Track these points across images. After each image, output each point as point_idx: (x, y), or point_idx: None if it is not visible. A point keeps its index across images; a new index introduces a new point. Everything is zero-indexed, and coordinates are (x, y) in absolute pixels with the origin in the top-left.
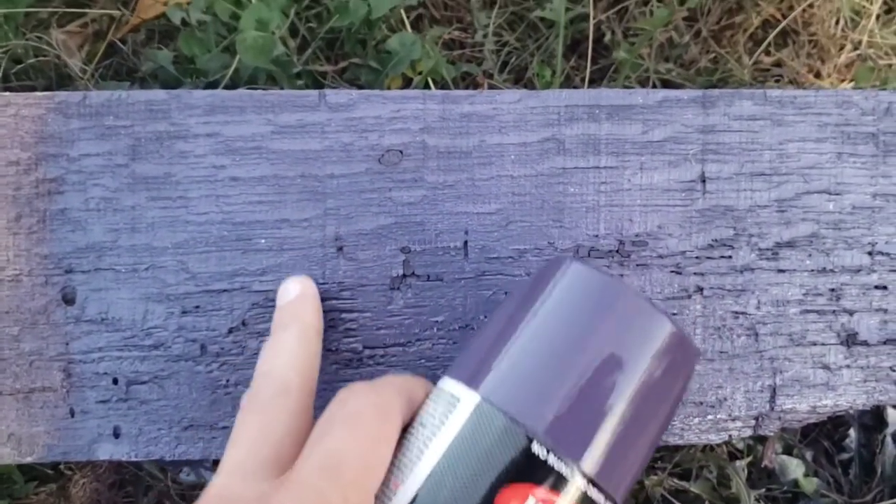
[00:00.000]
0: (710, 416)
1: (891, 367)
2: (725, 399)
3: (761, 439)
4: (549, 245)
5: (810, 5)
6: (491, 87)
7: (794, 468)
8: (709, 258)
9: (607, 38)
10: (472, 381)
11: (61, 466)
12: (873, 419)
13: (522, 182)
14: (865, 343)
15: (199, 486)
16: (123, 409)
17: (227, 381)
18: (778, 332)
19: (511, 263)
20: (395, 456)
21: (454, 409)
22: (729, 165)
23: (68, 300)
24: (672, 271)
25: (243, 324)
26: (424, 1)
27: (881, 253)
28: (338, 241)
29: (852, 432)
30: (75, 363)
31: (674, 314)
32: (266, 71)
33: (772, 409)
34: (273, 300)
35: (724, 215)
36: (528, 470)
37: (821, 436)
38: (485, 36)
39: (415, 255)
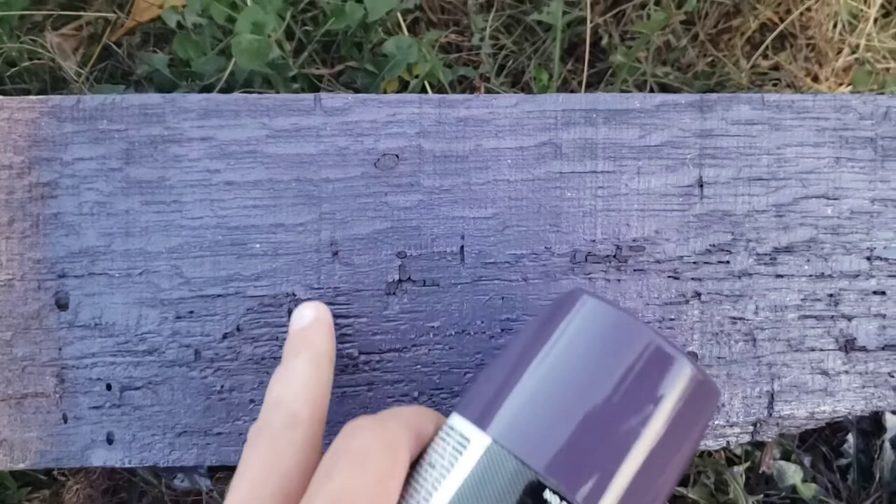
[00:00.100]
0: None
1: (889, 373)
2: (723, 405)
3: (759, 445)
4: (545, 250)
5: (808, 9)
6: (488, 90)
7: (793, 474)
8: (706, 263)
9: (604, 41)
10: (483, 420)
11: (54, 472)
12: (872, 424)
13: (519, 186)
14: (864, 349)
15: (194, 493)
16: (117, 414)
17: (222, 386)
18: (776, 337)
19: (508, 268)
20: (402, 497)
21: (464, 450)
22: (727, 170)
23: (61, 305)
24: (670, 276)
25: (238, 329)
26: (421, 4)
27: (879, 258)
28: (333, 245)
29: (850, 437)
30: (68, 368)
31: (671, 319)
32: (262, 74)
33: (770, 414)
34: (268, 305)
35: (721, 220)
36: None
37: (819, 441)
38: (482, 39)
39: (411, 259)
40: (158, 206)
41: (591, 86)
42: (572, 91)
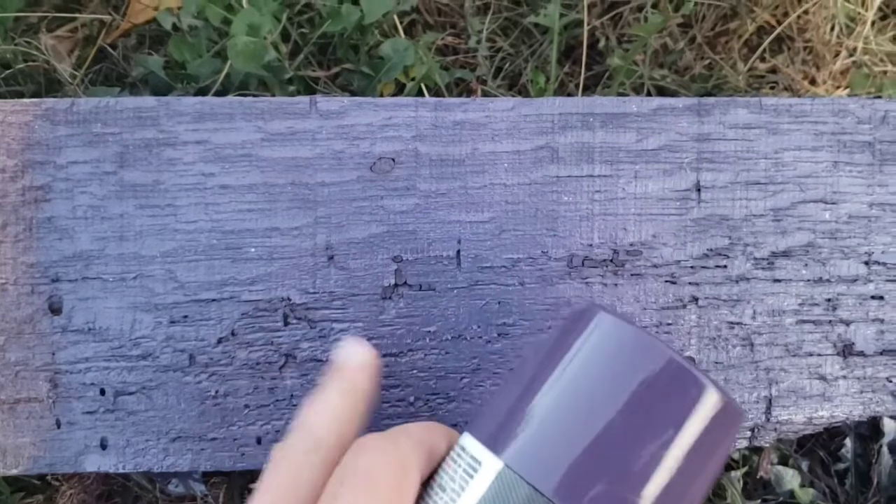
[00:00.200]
0: None
1: (887, 378)
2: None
3: (757, 450)
4: (542, 254)
5: (805, 12)
6: (485, 93)
7: (790, 479)
8: (704, 268)
9: (601, 44)
10: (495, 443)
11: (48, 477)
12: (869, 429)
13: (516, 190)
14: (862, 353)
15: (188, 498)
16: (111, 420)
17: (216, 391)
18: (774, 342)
19: (504, 273)
20: None
21: (475, 473)
22: (724, 174)
23: (55, 309)
24: (667, 281)
25: (232, 334)
26: (417, 6)
27: (878, 262)
28: (329, 249)
29: (848, 442)
30: (62, 373)
31: (668, 324)
32: (257, 76)
33: (767, 420)
34: (263, 310)
35: (719, 224)
36: None
37: (817, 446)
38: (478, 42)
39: (407, 264)
40: (153, 209)
41: (588, 88)
42: (569, 94)
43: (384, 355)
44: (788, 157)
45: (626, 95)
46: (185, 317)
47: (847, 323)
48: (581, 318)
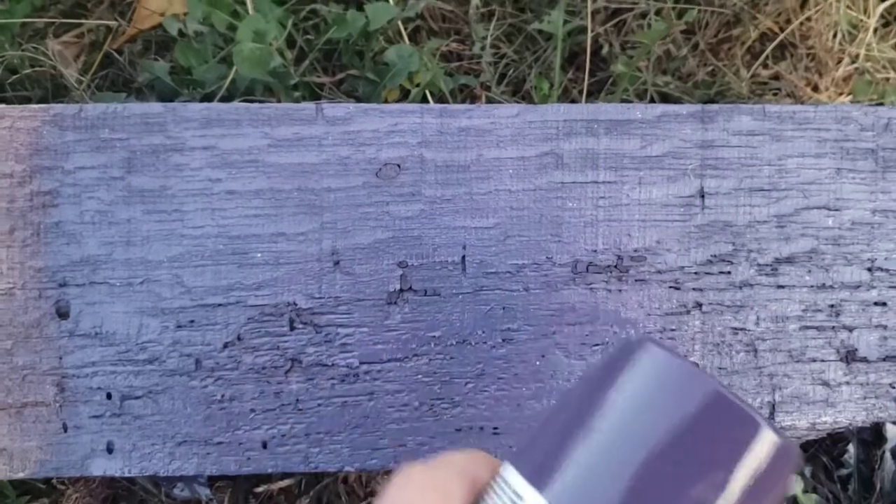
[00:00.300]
0: None
1: (890, 384)
2: None
3: None
4: (547, 260)
5: (808, 19)
6: (489, 99)
7: (793, 484)
8: (708, 274)
9: (605, 50)
10: (538, 479)
11: (54, 481)
12: (872, 435)
13: (521, 196)
14: (865, 359)
15: (193, 502)
16: (117, 423)
17: (222, 396)
18: (777, 348)
19: (509, 278)
20: None
21: None
22: (728, 181)
23: (62, 314)
24: (671, 287)
25: (238, 338)
26: (422, 13)
27: (881, 269)
28: (335, 255)
29: (851, 448)
30: (69, 377)
31: (672, 330)
32: (263, 82)
33: None
34: (269, 314)
35: (722, 231)
36: None
37: (820, 451)
38: (483, 48)
39: (412, 269)
40: (160, 215)
41: (592, 94)
42: (573, 100)
43: (389, 360)
44: (792, 163)
45: (630, 101)
46: (192, 321)
47: (850, 329)
48: (629, 352)
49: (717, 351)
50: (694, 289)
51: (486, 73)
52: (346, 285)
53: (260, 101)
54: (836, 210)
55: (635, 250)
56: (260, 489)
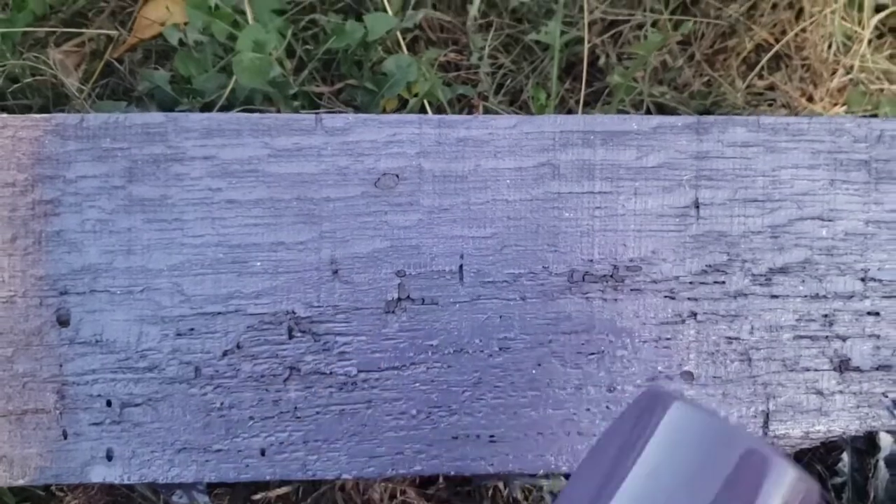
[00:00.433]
0: None
1: (883, 393)
2: None
3: None
4: (543, 269)
5: (803, 30)
6: (486, 109)
7: None
8: (702, 283)
9: (602, 61)
10: None
11: (53, 488)
12: (866, 443)
13: (518, 206)
14: (858, 369)
15: None
16: (117, 431)
17: (221, 403)
18: (771, 357)
19: (506, 287)
20: None
21: None
22: (722, 191)
23: (63, 322)
24: (666, 296)
25: (238, 346)
26: (420, 23)
27: (874, 279)
28: (333, 264)
29: (845, 456)
30: (69, 385)
31: (667, 339)
32: (263, 92)
33: (765, 434)
34: (268, 323)
35: (717, 241)
36: None
37: (814, 460)
38: (480, 58)
39: (410, 278)
40: (160, 223)
41: (589, 105)
42: (570, 110)
43: (387, 368)
44: (786, 174)
45: (626, 112)
46: (192, 329)
47: (843, 339)
48: (653, 407)
49: (711, 360)
50: (689, 298)
51: (484, 83)
52: (345, 294)
53: (259, 111)
54: (830, 221)
55: (631, 260)
56: (258, 496)
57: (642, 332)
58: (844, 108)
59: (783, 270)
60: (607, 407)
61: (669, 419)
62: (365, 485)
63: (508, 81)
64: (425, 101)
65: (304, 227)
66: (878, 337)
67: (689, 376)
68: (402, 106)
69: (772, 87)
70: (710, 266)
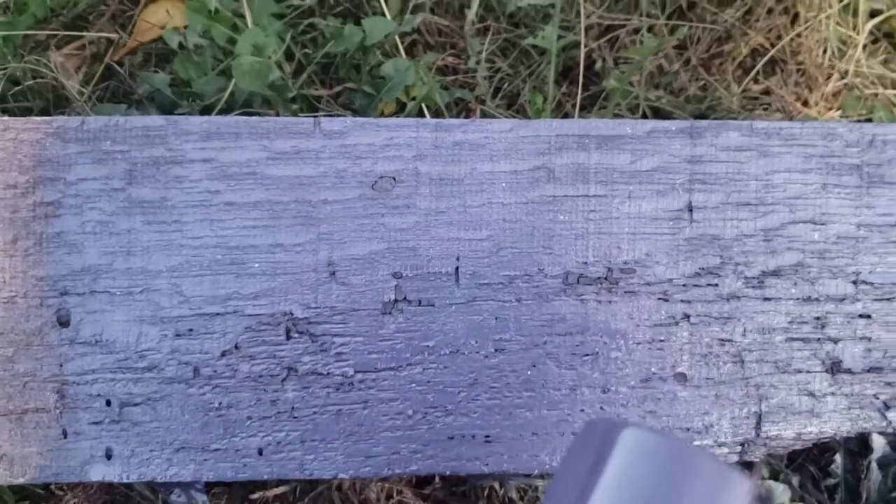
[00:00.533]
0: (696, 442)
1: (875, 395)
2: (712, 425)
3: (748, 465)
4: (538, 271)
5: (798, 35)
6: (483, 112)
7: (781, 494)
8: (696, 286)
9: (598, 65)
10: None
11: (52, 486)
12: (859, 445)
13: (513, 209)
14: (850, 371)
15: None
16: (116, 430)
17: (220, 403)
18: (764, 359)
19: (501, 289)
20: None
21: None
22: (716, 195)
23: (63, 322)
24: (659, 298)
25: (236, 347)
26: (419, 27)
27: (865, 282)
28: (330, 265)
29: (838, 458)
30: (69, 384)
31: (661, 341)
32: (262, 95)
33: (757, 435)
34: (266, 324)
35: (710, 244)
36: None
37: (807, 461)
38: (478, 62)
39: (406, 280)
40: (160, 225)
41: (585, 108)
42: (566, 113)
43: (383, 369)
44: (779, 178)
45: (622, 116)
46: (190, 330)
47: (835, 341)
48: (606, 438)
49: (704, 362)
50: (682, 300)
51: (481, 86)
52: (342, 295)
53: (258, 114)
54: (822, 224)
55: (625, 262)
56: (255, 496)
57: (636, 333)
58: (839, 112)
59: (776, 273)
60: (601, 408)
61: (624, 445)
62: (362, 484)
63: (505, 85)
64: (423, 105)
65: (301, 228)
66: (869, 339)
67: (682, 378)
68: (399, 109)
69: (767, 92)
70: (703, 269)
